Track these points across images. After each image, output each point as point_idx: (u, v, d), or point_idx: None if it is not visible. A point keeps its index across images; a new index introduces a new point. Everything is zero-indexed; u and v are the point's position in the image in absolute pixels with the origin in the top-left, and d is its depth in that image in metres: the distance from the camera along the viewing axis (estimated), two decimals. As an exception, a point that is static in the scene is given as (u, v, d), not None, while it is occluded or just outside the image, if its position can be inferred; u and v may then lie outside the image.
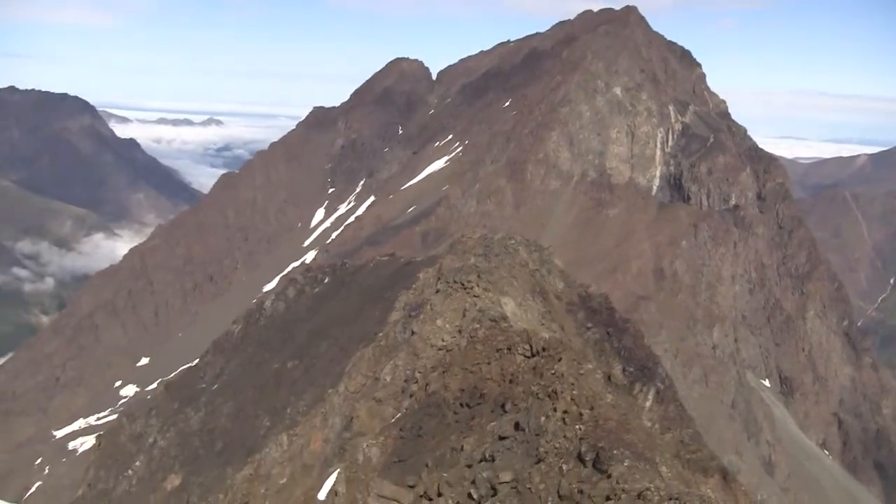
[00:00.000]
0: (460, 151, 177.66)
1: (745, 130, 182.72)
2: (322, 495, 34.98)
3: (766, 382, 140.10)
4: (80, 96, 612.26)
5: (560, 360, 24.73)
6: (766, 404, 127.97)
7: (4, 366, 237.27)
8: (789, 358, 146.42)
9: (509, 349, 27.52)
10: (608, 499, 15.33)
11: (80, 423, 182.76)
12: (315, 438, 45.81)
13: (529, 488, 16.98)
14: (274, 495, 46.37)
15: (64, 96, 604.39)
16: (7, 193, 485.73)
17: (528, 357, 26.50)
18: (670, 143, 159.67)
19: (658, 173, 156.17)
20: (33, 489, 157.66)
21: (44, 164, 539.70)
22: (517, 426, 21.85)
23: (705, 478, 25.98)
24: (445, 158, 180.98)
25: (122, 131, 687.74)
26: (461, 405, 27.75)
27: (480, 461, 22.17)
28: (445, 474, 23.66)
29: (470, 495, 21.57)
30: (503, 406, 24.86)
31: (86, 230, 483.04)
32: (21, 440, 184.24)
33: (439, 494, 23.34)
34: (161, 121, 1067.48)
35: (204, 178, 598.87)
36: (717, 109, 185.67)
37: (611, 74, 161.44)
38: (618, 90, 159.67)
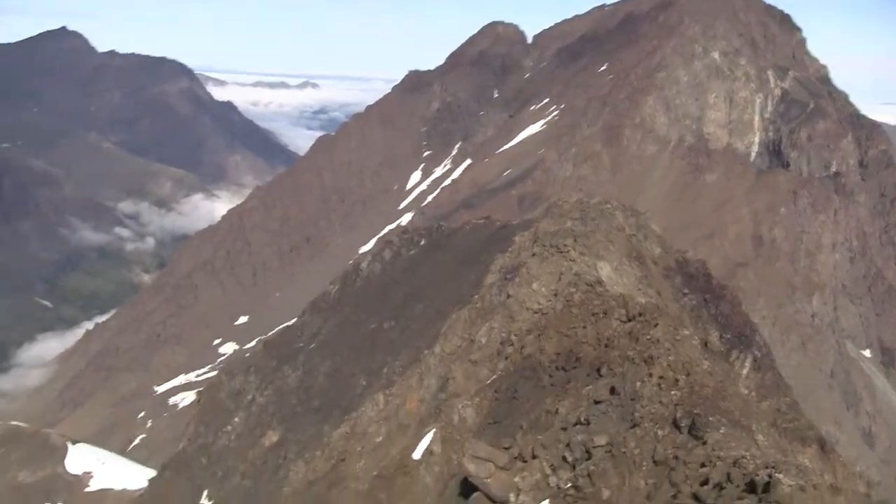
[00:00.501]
0: (556, 115, 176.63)
1: (847, 96, 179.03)
2: (417, 454, 35.35)
3: (867, 353, 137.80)
4: (178, 60, 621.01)
5: (656, 325, 24.77)
6: (866, 374, 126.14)
7: (108, 323, 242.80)
8: (891, 328, 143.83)
9: (605, 313, 27.58)
10: (703, 465, 15.45)
11: (180, 379, 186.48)
12: (411, 398, 46.27)
13: (624, 452, 17.15)
14: (370, 453, 46.98)
15: (162, 60, 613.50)
16: (109, 155, 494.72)
17: (624, 322, 26.56)
18: (769, 108, 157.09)
19: (757, 139, 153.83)
20: (136, 442, 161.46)
21: (144, 126, 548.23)
22: (612, 390, 21.98)
23: (802, 447, 25.88)
24: (541, 122, 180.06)
25: (219, 94, 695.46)
26: (556, 368, 27.88)
27: (575, 424, 22.33)
28: (540, 437, 23.87)
29: (564, 458, 21.76)
30: (599, 370, 24.97)
31: (185, 191, 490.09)
32: (125, 395, 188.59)
33: (534, 457, 23.57)
34: (258, 84, 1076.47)
35: (300, 141, 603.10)
36: (817, 75, 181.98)
37: (708, 39, 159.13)
38: (716, 55, 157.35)
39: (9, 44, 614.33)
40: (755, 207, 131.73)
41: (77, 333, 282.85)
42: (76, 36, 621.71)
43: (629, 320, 26.32)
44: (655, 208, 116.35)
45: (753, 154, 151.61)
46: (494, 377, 34.12)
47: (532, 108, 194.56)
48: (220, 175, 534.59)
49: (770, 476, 13.90)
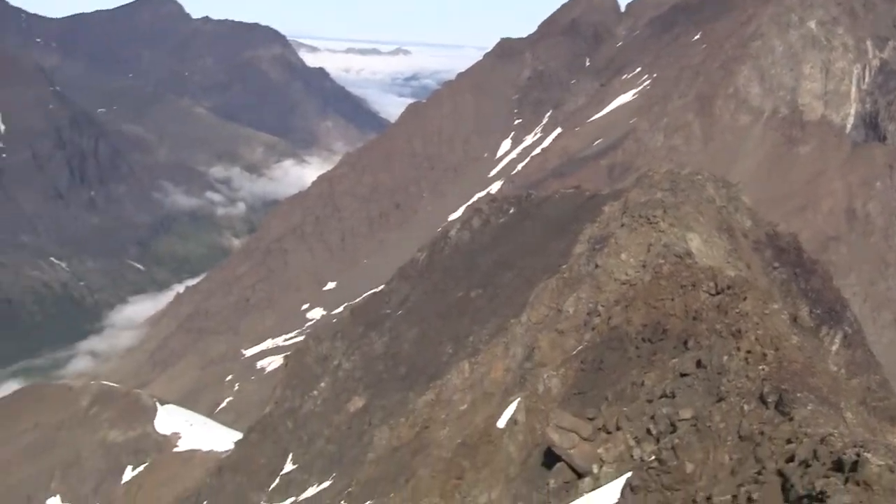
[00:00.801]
0: (648, 85, 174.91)
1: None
2: (501, 423, 35.39)
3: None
4: (270, 26, 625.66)
5: (745, 298, 24.49)
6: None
7: (198, 286, 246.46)
8: None
9: (693, 286, 27.33)
10: (789, 442, 15.28)
11: (268, 344, 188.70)
12: (496, 367, 46.31)
13: (709, 427, 17.00)
14: (454, 421, 47.17)
15: (255, 26, 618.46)
16: (201, 120, 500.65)
17: (713, 294, 26.29)
18: (867, 79, 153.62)
19: (853, 111, 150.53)
20: (223, 405, 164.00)
21: (236, 91, 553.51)
22: (699, 364, 21.79)
23: (892, 426, 25.48)
24: (633, 92, 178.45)
25: (311, 60, 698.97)
26: (643, 340, 27.74)
27: (661, 397, 22.20)
28: (625, 409, 23.77)
29: (649, 431, 21.66)
30: (685, 343, 24.78)
31: (276, 157, 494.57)
32: (213, 358, 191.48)
33: (618, 428, 23.49)
34: (350, 50, 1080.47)
35: (391, 108, 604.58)
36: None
37: (805, 8, 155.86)
38: (812, 24, 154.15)
39: (107, 10, 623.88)
40: (849, 181, 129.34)
41: (168, 296, 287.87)
42: (171, 3, 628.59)
43: (718, 293, 26.05)
44: (747, 180, 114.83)
45: (849, 126, 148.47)
46: (580, 347, 34.02)
47: (624, 77, 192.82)
48: (310, 141, 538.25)
49: (858, 455, 13.70)
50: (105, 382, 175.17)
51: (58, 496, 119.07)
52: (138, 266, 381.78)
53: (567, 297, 40.50)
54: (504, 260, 74.92)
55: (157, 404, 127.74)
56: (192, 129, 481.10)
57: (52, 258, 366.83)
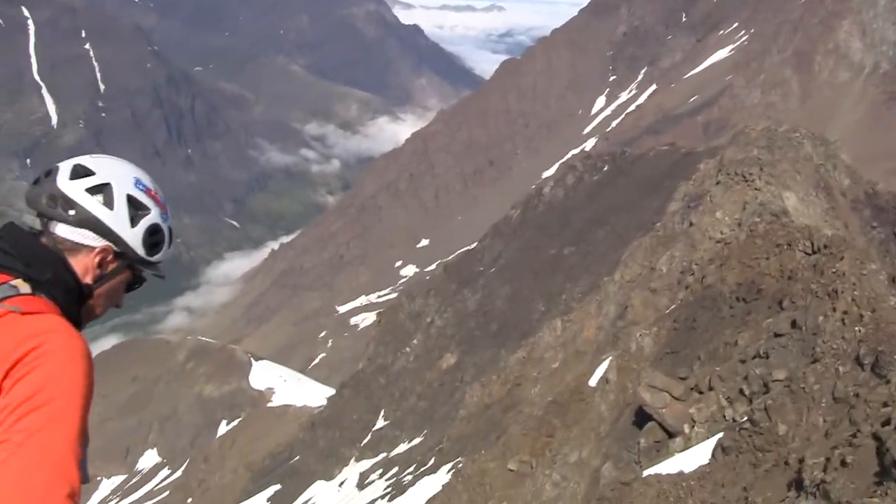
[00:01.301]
0: (745, 40, 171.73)
1: None
2: (593, 382, 35.32)
3: None
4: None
5: (842, 258, 24.02)
6: None
7: (293, 243, 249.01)
8: None
9: (789, 245, 26.88)
10: (885, 405, 14.97)
11: (361, 300, 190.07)
12: (589, 325, 46.20)
13: (803, 388, 16.73)
14: (545, 379, 47.19)
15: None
16: (296, 78, 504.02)
17: (809, 254, 25.83)
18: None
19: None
20: (317, 360, 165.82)
21: (331, 49, 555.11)
22: (794, 324, 21.45)
23: None
24: (729, 47, 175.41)
25: (405, 17, 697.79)
26: (737, 300, 27.40)
27: (754, 357, 21.91)
28: (717, 368, 23.54)
29: (741, 391, 21.42)
30: (780, 303, 24.40)
31: (370, 114, 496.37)
32: (307, 314, 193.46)
33: (710, 388, 23.27)
34: (444, 7, 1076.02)
35: (486, 64, 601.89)
36: None
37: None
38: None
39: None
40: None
41: (263, 253, 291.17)
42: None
43: (814, 252, 25.58)
44: (846, 137, 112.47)
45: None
46: (673, 306, 33.76)
47: (720, 32, 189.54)
48: (405, 98, 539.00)
49: (957, 418, 13.41)
50: (201, 338, 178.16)
51: (155, 449, 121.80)
52: (234, 223, 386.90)
53: (661, 256, 40.21)
54: (597, 217, 74.50)
55: (252, 360, 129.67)
56: (288, 87, 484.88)
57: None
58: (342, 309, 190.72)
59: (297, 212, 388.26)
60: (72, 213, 3.07)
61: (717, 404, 22.61)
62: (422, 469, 60.87)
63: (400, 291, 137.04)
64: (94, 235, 3.08)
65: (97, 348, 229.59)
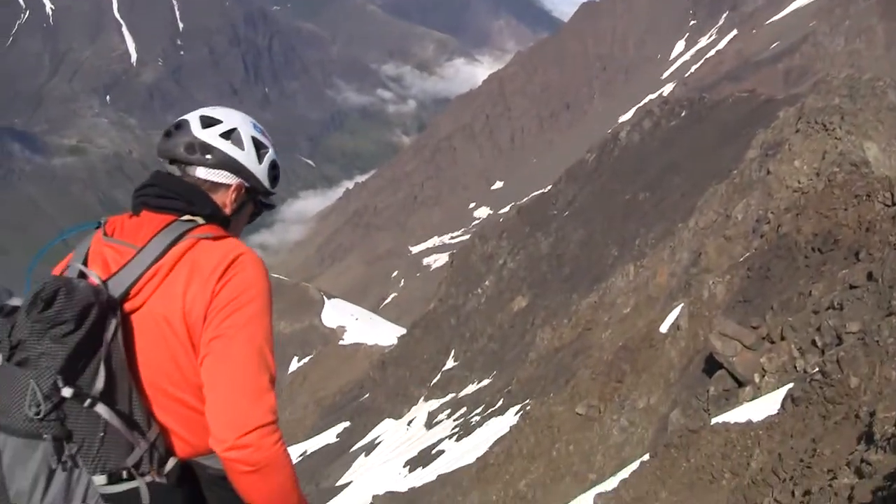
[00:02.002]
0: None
1: None
2: (664, 328, 35.19)
3: None
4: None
5: (923, 210, 23.66)
6: None
7: (367, 183, 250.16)
8: None
9: (868, 196, 26.42)
10: (963, 359, 14.74)
11: (434, 241, 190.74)
12: (661, 271, 45.96)
13: (877, 341, 16.47)
14: (616, 324, 47.10)
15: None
16: (373, 18, 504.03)
17: (889, 206, 25.38)
18: None
19: None
20: (388, 300, 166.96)
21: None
22: (870, 276, 21.11)
23: None
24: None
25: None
26: (813, 250, 27.05)
27: (828, 309, 21.62)
28: (790, 319, 23.28)
29: (814, 342, 21.18)
30: (857, 254, 24.04)
31: (447, 55, 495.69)
32: (380, 253, 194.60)
33: (782, 338, 23.04)
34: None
35: (564, 6, 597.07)
36: None
37: None
38: None
39: None
40: None
41: (337, 192, 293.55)
42: None
43: (894, 204, 25.15)
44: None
45: None
46: (748, 255, 33.44)
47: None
48: (482, 40, 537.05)
49: None
50: (274, 275, 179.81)
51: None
52: (309, 162, 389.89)
53: (736, 203, 39.82)
54: (673, 163, 73.81)
55: (324, 298, 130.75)
56: (365, 27, 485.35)
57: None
58: (415, 249, 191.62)
59: (372, 152, 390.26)
60: (209, 156, 3.47)
61: (788, 355, 22.41)
62: (490, 410, 61.21)
63: (473, 233, 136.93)
64: (228, 174, 3.51)
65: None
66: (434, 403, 78.43)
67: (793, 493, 13.36)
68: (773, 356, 22.92)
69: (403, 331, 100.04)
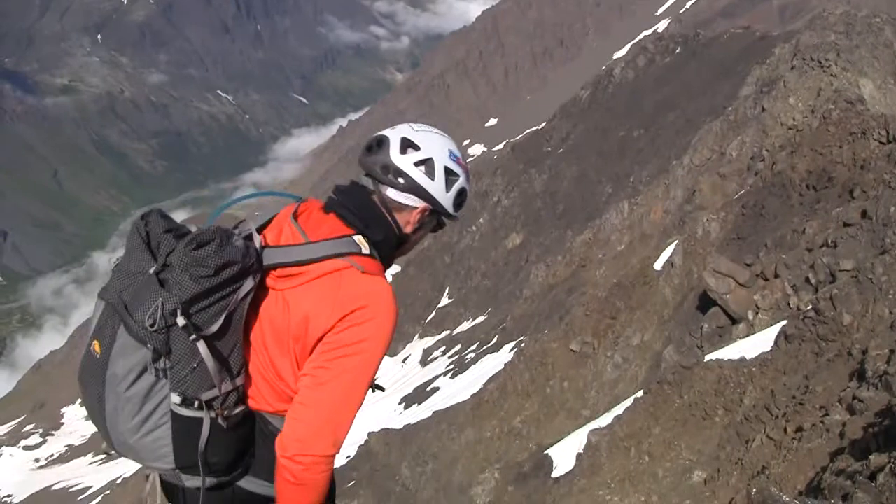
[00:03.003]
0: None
1: None
2: (658, 265, 35.30)
3: None
4: None
5: (917, 148, 23.67)
6: None
7: (361, 120, 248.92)
8: None
9: (863, 133, 26.42)
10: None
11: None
12: (656, 209, 46.03)
13: (870, 279, 16.57)
14: (610, 261, 47.25)
15: None
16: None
17: (884, 143, 25.37)
18: None
19: None
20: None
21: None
22: (864, 214, 21.19)
23: None
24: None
25: None
26: (807, 187, 27.09)
27: (822, 246, 21.74)
28: (784, 256, 23.39)
29: (807, 280, 21.29)
30: (851, 192, 24.09)
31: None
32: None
33: (776, 276, 23.16)
34: None
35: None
36: None
37: None
38: None
39: None
40: None
41: (331, 129, 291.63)
42: None
43: (889, 142, 25.11)
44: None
45: None
46: (742, 192, 33.49)
47: None
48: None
49: None
50: (269, 214, 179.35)
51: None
52: (302, 99, 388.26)
53: (731, 141, 39.80)
54: (668, 100, 73.57)
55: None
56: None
57: (219, 91, 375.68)
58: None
59: (366, 89, 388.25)
60: (401, 180, 3.77)
61: (781, 292, 22.56)
62: (484, 347, 61.53)
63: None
64: (416, 199, 3.80)
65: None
66: (429, 341, 78.80)
67: (785, 430, 13.53)
68: (766, 293, 23.08)
69: (398, 269, 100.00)
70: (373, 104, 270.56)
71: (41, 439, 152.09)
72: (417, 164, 3.78)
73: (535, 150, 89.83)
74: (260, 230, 3.79)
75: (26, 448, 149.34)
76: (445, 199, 3.85)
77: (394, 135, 3.86)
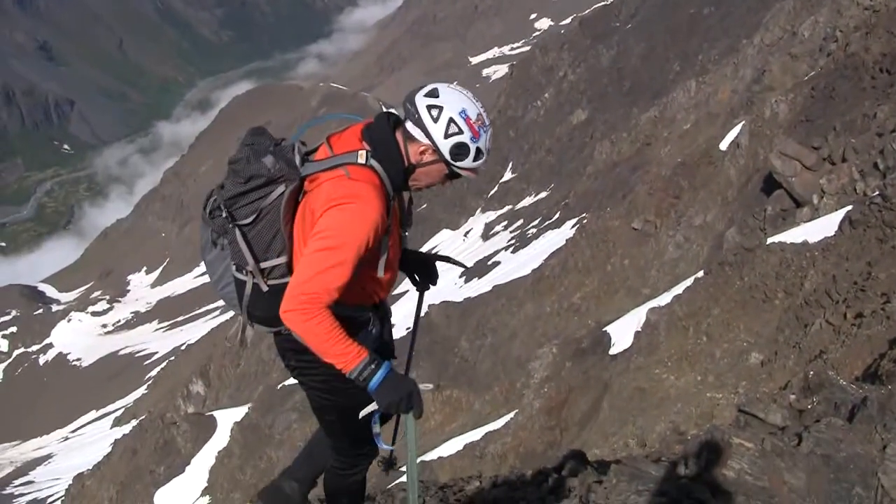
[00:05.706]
0: None
1: None
2: (723, 145, 34.96)
3: None
4: None
5: None
6: None
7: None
8: None
9: (941, 15, 25.84)
10: None
11: (494, 52, 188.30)
12: (724, 88, 45.38)
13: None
14: (676, 139, 46.83)
15: None
16: None
17: (961, 26, 24.81)
18: None
19: None
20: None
21: None
22: (937, 99, 20.85)
23: None
24: None
25: None
26: (880, 70, 26.47)
27: (892, 132, 21.33)
28: (853, 140, 23.04)
29: (875, 165, 20.98)
30: (925, 76, 23.66)
31: None
32: (439, 64, 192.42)
33: (843, 160, 22.86)
34: None
35: None
36: None
37: None
38: None
39: None
40: None
41: (397, 1, 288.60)
42: None
43: (968, 24, 24.53)
44: None
45: None
46: (813, 73, 32.82)
47: None
48: None
49: None
50: (333, 84, 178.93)
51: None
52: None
53: (804, 20, 38.99)
54: (741, -24, 71.99)
55: (383, 108, 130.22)
56: None
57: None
58: (474, 60, 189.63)
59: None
60: (414, 115, 4.55)
61: (848, 176, 22.29)
62: (546, 223, 61.63)
63: (533, 44, 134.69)
64: (422, 134, 4.56)
65: (232, 93, 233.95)
66: (491, 215, 78.99)
67: (845, 316, 13.54)
68: (832, 177, 22.82)
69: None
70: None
71: (108, 306, 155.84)
72: (430, 107, 4.53)
73: (603, 24, 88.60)
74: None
75: (94, 314, 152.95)
76: (443, 144, 4.55)
77: (432, 85, 4.69)
